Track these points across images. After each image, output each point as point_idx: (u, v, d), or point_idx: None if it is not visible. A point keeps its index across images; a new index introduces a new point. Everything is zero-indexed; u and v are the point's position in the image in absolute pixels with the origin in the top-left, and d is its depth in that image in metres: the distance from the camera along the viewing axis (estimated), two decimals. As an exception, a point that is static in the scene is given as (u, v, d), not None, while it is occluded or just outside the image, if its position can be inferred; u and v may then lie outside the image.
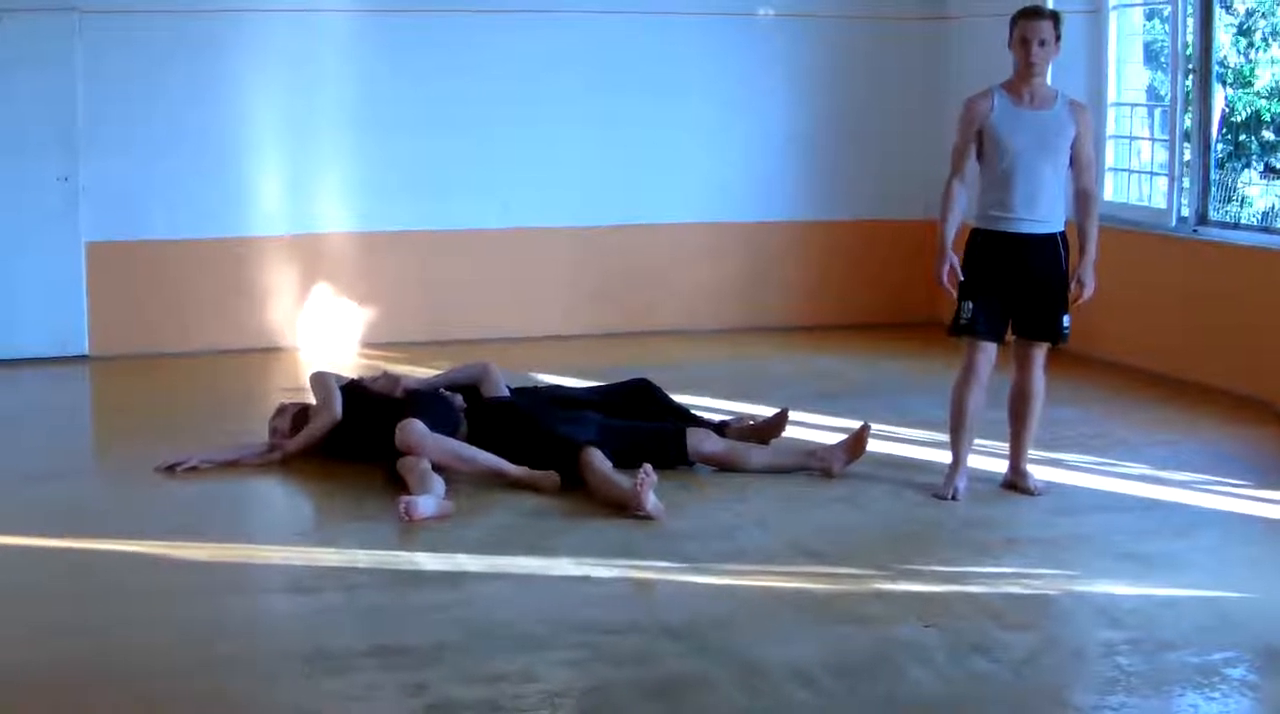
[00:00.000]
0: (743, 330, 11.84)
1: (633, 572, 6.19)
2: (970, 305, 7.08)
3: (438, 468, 7.17)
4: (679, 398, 8.39)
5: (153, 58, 10.67)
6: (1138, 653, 5.28)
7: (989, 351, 7.16)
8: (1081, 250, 7.07)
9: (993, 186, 7.06)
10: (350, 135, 11.14)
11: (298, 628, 5.61)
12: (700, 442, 7.61)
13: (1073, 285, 7.08)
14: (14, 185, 10.46)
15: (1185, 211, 10.07)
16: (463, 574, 6.13)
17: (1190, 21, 9.99)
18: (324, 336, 11.18)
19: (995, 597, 5.87)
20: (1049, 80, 7.15)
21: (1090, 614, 5.73)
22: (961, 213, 7.13)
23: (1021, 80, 7.04)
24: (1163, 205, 10.27)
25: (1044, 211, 7.04)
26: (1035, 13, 7.10)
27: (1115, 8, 10.77)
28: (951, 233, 7.09)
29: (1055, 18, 7.08)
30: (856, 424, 7.69)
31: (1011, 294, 7.08)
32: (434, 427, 7.34)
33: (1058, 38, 7.02)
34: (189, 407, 9.38)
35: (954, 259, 7.06)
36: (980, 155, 7.10)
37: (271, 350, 11.01)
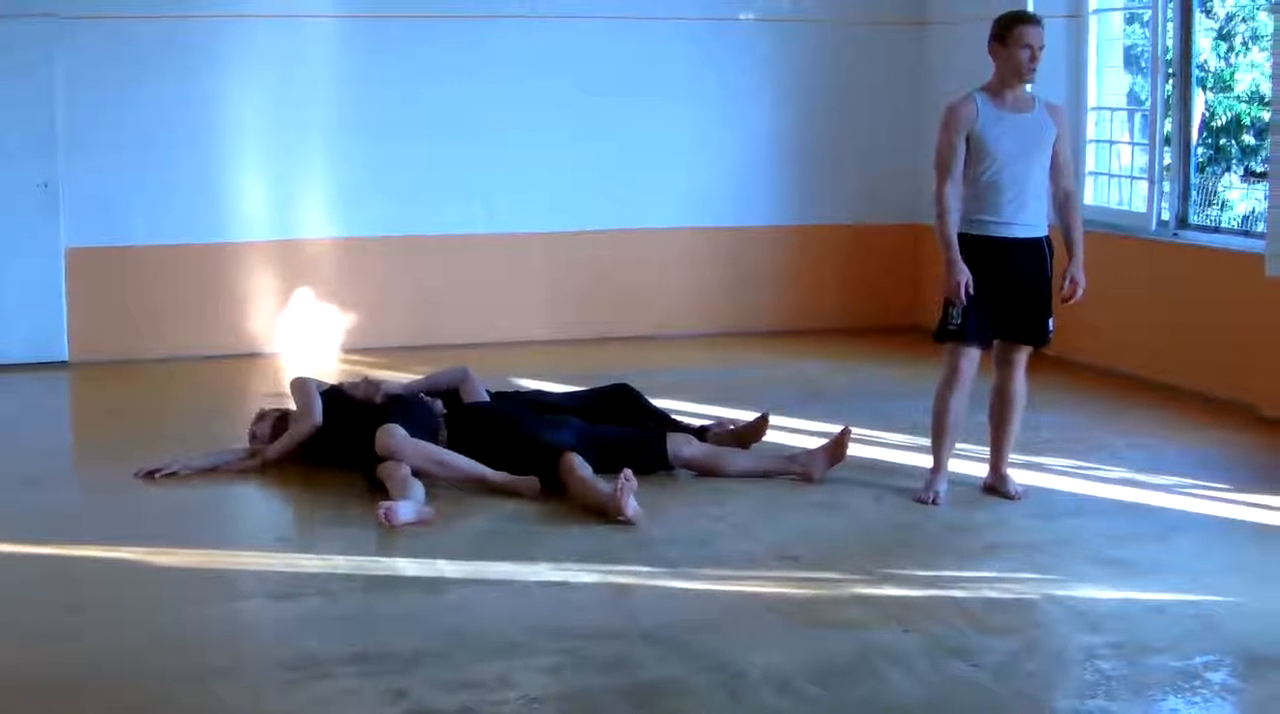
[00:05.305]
0: (724, 335, 11.83)
1: (612, 577, 6.18)
2: (959, 310, 7.05)
3: (418, 473, 7.15)
4: (659, 402, 8.39)
5: (133, 63, 10.64)
6: (1118, 657, 5.28)
7: (974, 357, 7.13)
8: (1070, 250, 7.07)
9: (980, 192, 7.01)
10: (332, 140, 11.12)
11: (278, 634, 5.60)
12: (680, 446, 7.60)
13: (1065, 283, 7.05)
14: (-6, 191, 10.45)
15: (1165, 215, 10.08)
16: (442, 580, 6.12)
17: (1170, 26, 10.02)
18: (305, 342, 11.15)
19: (976, 601, 5.87)
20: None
21: (1070, 618, 5.73)
22: (958, 217, 7.06)
23: (1007, 85, 7.01)
24: (1143, 209, 10.28)
25: (1031, 215, 7.03)
26: (1033, 19, 7.07)
27: (1095, 12, 10.79)
28: (955, 240, 6.98)
29: (1041, 23, 7.08)
30: (837, 428, 7.69)
31: (998, 298, 7.05)
32: (414, 432, 7.33)
33: (1042, 44, 7.05)
34: (169, 412, 9.36)
35: (967, 270, 6.95)
36: (965, 160, 7.07)
37: (252, 356, 10.98)
